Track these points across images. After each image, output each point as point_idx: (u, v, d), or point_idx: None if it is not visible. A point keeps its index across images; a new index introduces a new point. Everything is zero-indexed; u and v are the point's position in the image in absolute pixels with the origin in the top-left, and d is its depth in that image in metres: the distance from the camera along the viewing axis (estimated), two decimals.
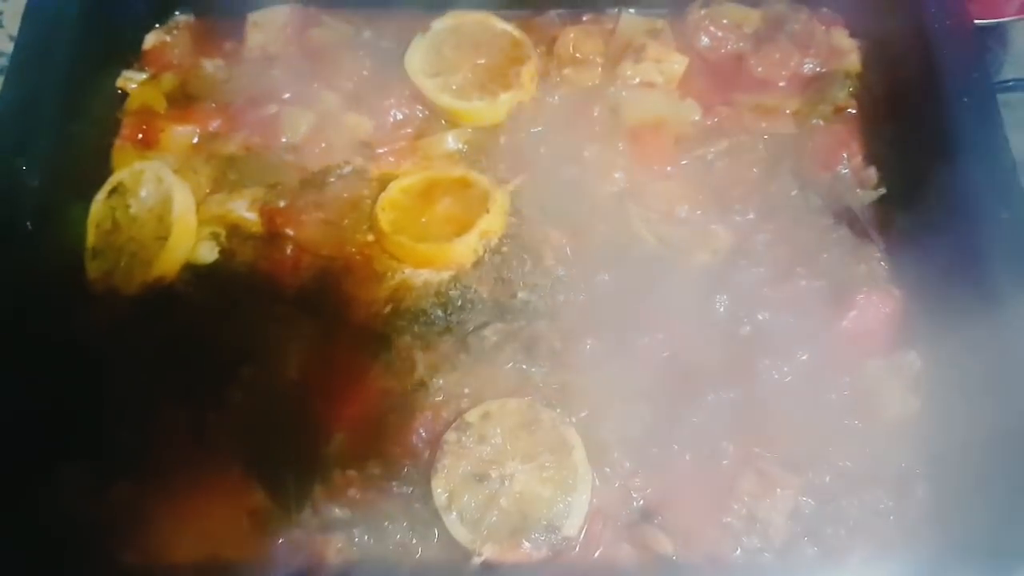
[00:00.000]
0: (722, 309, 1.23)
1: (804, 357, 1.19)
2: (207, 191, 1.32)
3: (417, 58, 1.40)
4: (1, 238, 1.16)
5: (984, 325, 1.10)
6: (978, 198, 1.17)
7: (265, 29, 1.45)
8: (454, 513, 1.07)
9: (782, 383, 1.18)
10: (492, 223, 1.26)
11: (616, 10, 1.49)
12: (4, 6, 1.73)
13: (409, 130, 1.39)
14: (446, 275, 1.26)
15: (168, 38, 1.47)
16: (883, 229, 1.29)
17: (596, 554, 1.08)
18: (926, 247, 1.23)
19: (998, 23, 1.59)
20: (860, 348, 1.21)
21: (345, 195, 1.30)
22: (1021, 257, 1.12)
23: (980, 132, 1.21)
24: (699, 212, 1.33)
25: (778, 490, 1.09)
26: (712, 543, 1.08)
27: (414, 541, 1.08)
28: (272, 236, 1.28)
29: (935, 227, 1.22)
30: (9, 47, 1.63)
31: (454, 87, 1.37)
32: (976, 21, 1.38)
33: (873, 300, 1.21)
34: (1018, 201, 1.15)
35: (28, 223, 1.18)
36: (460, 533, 1.06)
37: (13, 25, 1.67)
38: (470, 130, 1.39)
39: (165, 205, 1.26)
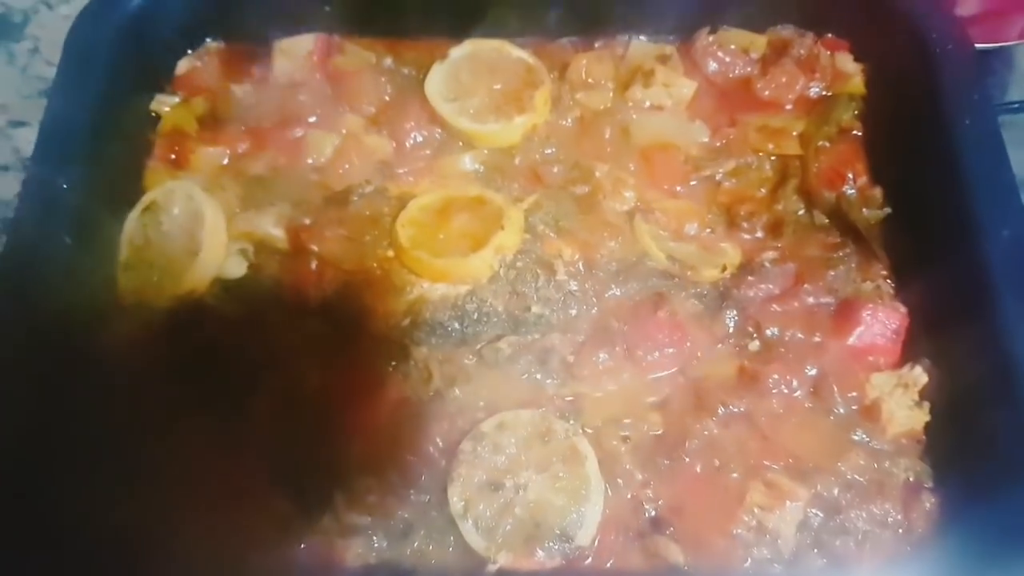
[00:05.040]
0: (731, 324, 1.26)
1: (812, 372, 1.22)
2: (236, 209, 1.36)
3: (436, 83, 1.45)
4: (41, 251, 1.21)
5: (988, 340, 1.13)
6: (980, 216, 1.19)
7: (291, 56, 1.51)
8: (469, 521, 1.09)
9: (790, 397, 1.20)
10: (507, 239, 1.30)
11: (626, 37, 1.53)
12: (41, 33, 1.81)
13: (428, 151, 1.44)
14: (462, 289, 1.29)
15: (199, 64, 1.52)
16: (889, 247, 1.31)
17: (608, 563, 1.10)
18: (931, 264, 1.25)
19: (1002, 47, 1.62)
20: (867, 363, 1.23)
21: (367, 213, 1.34)
22: (1022, 273, 1.14)
23: (981, 152, 1.24)
24: (708, 230, 1.36)
25: (787, 502, 1.11)
26: (722, 553, 1.10)
27: (431, 548, 1.11)
28: (297, 252, 1.32)
29: (939, 245, 1.25)
30: (46, 71, 1.72)
31: (471, 111, 1.42)
32: (978, 45, 1.41)
33: (879, 316, 1.23)
34: (1018, 219, 1.18)
35: (67, 237, 1.23)
36: (475, 540, 1.08)
37: (49, 52, 1.76)
38: (486, 151, 1.43)
39: (196, 222, 1.31)
